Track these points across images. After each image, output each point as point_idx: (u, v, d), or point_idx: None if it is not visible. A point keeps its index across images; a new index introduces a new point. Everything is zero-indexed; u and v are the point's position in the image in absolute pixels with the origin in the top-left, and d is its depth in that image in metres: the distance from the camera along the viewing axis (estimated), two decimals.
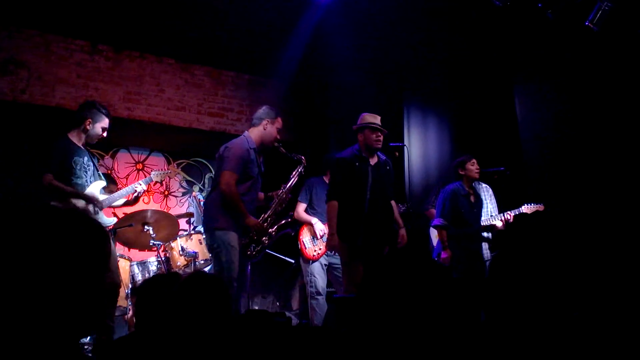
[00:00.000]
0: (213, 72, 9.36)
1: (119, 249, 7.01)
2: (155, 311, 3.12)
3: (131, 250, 7.86)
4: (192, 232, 7.34)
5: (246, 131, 5.90)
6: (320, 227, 7.05)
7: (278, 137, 5.90)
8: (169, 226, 7.18)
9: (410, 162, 8.16)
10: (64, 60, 8.04)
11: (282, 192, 5.90)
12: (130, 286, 6.66)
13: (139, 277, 6.84)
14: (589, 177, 6.50)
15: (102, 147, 8.48)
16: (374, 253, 5.85)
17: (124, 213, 7.49)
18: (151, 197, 9.11)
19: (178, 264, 6.96)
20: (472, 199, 6.80)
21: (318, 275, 7.10)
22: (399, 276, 1.82)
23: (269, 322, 3.53)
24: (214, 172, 6.29)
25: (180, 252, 6.94)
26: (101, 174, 5.99)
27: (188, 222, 7.83)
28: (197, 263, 6.92)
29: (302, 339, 3.45)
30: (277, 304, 8.87)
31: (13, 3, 7.41)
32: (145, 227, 6.83)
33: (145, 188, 6.06)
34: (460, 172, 6.81)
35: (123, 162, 8.99)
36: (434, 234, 7.44)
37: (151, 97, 8.72)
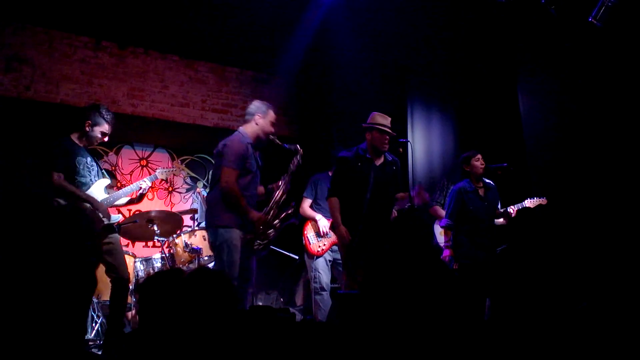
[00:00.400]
0: (217, 68, 9.37)
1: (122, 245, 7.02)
2: (158, 308, 3.12)
3: (135, 246, 7.88)
4: (196, 228, 7.36)
5: (240, 127, 5.87)
6: (325, 224, 7.06)
7: (272, 130, 5.88)
8: (172, 222, 7.21)
9: (414, 159, 8.15)
10: (68, 56, 8.05)
11: (282, 183, 5.88)
12: (134, 283, 6.67)
13: (143, 274, 6.86)
14: (592, 172, 6.49)
15: (106, 144, 8.42)
16: (371, 253, 5.86)
17: (128, 210, 7.54)
18: (155, 193, 9.11)
19: (182, 260, 6.96)
20: (481, 192, 6.78)
21: (322, 271, 7.11)
22: (400, 272, 1.83)
23: (273, 318, 3.54)
24: (213, 169, 6.26)
25: (184, 248, 6.95)
26: (105, 172, 6.00)
27: (192, 219, 7.84)
28: (201, 259, 6.93)
29: (306, 334, 3.46)
30: (281, 300, 8.87)
31: (17, 0, 7.43)
32: (150, 224, 6.86)
33: (150, 185, 6.06)
34: (466, 169, 6.81)
35: (127, 158, 8.99)
36: (438, 230, 7.45)
37: (155, 94, 8.73)
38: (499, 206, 7.15)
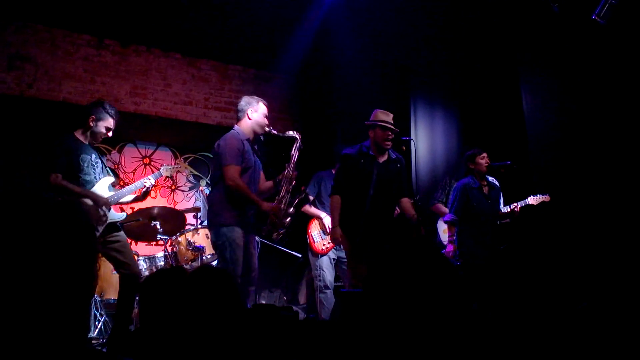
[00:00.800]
0: (219, 66, 9.37)
1: None
2: (159, 306, 3.12)
3: (138, 245, 7.88)
4: (199, 226, 7.35)
5: (235, 125, 5.86)
6: (329, 221, 7.07)
7: (266, 122, 5.85)
8: (175, 220, 7.21)
9: (417, 157, 8.15)
10: (70, 55, 8.06)
11: (288, 170, 5.86)
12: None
13: (146, 272, 6.85)
14: (594, 169, 6.49)
15: (109, 142, 8.48)
16: (374, 250, 5.86)
17: (131, 208, 7.54)
18: (158, 191, 9.12)
19: (185, 258, 6.96)
20: (485, 190, 6.79)
21: (326, 269, 7.12)
22: (404, 270, 1.82)
23: (276, 316, 3.54)
24: (211, 169, 6.24)
25: (187, 247, 6.94)
26: (109, 170, 6.00)
27: (195, 217, 7.84)
28: (204, 257, 6.93)
29: (309, 332, 3.46)
30: (284, 298, 8.87)
31: None
32: (152, 222, 6.87)
33: (153, 183, 6.05)
34: (470, 166, 6.82)
35: (130, 156, 8.99)
36: (441, 228, 7.45)
37: (158, 92, 8.73)
38: (502, 205, 7.15)
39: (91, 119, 5.62)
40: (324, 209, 7.23)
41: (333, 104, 9.59)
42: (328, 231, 7.08)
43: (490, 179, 7.00)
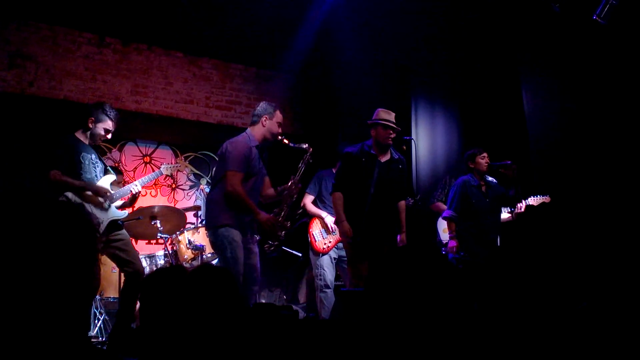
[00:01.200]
0: (221, 65, 9.37)
1: None
2: (160, 305, 3.12)
3: (138, 243, 7.89)
4: (200, 225, 7.35)
5: (248, 129, 5.83)
6: (331, 220, 7.08)
7: (280, 130, 5.83)
8: (176, 219, 7.22)
9: (417, 156, 8.16)
10: (71, 53, 8.06)
11: (292, 183, 5.85)
12: None
13: (147, 271, 6.86)
14: (596, 170, 6.49)
15: (110, 140, 8.43)
16: (375, 250, 5.86)
17: (132, 207, 7.54)
18: (159, 190, 9.13)
19: (185, 257, 6.97)
20: (483, 189, 6.80)
21: (327, 269, 7.12)
22: (405, 270, 1.83)
23: (276, 315, 3.54)
24: (214, 170, 6.23)
25: (188, 245, 6.95)
26: (113, 169, 6.02)
27: (195, 215, 7.85)
28: (204, 256, 6.94)
29: (309, 332, 3.46)
30: (284, 297, 8.88)
31: None
32: (153, 220, 6.88)
33: (140, 189, 6.03)
34: (471, 165, 6.83)
35: (130, 155, 9.01)
36: (441, 227, 7.45)
37: (159, 90, 8.73)
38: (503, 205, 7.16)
39: (90, 120, 5.63)
40: (325, 208, 7.23)
41: (334, 104, 9.60)
42: (330, 230, 7.09)
43: (489, 179, 7.00)
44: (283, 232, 5.76)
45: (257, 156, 5.67)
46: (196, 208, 7.96)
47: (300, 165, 5.94)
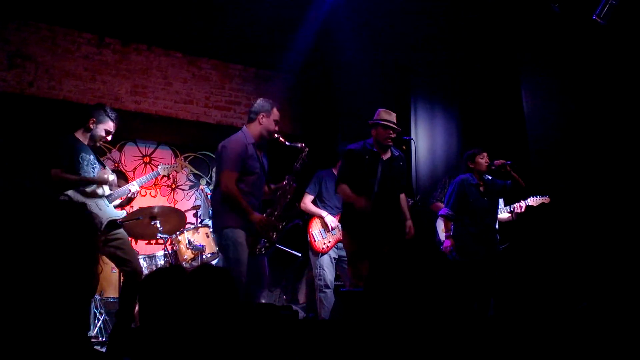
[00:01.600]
0: (220, 65, 9.36)
1: None
2: (159, 305, 3.12)
3: (138, 244, 7.88)
4: (199, 225, 7.35)
5: (244, 126, 5.80)
6: (332, 219, 7.07)
7: (276, 128, 5.77)
8: (175, 219, 7.22)
9: (417, 156, 8.16)
10: (71, 53, 8.05)
11: (287, 183, 5.82)
12: None
13: (146, 271, 6.86)
14: (595, 169, 6.49)
15: (109, 141, 8.48)
16: (379, 248, 5.85)
17: (131, 207, 7.54)
18: (158, 190, 9.13)
19: (185, 257, 6.97)
20: (481, 189, 6.79)
21: (327, 269, 7.11)
22: (405, 271, 1.83)
23: (275, 316, 3.54)
24: (214, 170, 6.22)
25: (187, 246, 6.95)
26: (115, 172, 6.04)
27: (195, 216, 7.85)
28: (204, 256, 6.94)
29: (308, 332, 3.46)
30: (284, 297, 8.87)
31: None
32: (153, 220, 6.88)
33: (138, 189, 6.06)
34: (470, 165, 6.82)
35: (130, 155, 9.00)
36: (439, 227, 7.45)
37: (158, 90, 8.72)
38: (504, 203, 7.16)
39: (91, 121, 5.66)
40: (324, 208, 7.21)
41: (334, 104, 9.59)
42: (330, 229, 7.09)
43: (487, 177, 6.99)
44: (275, 233, 5.72)
45: (254, 154, 5.64)
46: (196, 208, 7.95)
47: (295, 165, 5.90)
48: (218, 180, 5.59)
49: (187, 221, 7.50)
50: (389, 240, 5.98)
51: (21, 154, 7.36)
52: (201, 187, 9.28)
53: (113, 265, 6.07)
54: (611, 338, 2.08)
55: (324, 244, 7.12)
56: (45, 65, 7.82)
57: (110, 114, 5.71)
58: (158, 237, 7.04)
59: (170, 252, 6.91)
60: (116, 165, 8.69)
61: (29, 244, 1.34)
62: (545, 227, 6.80)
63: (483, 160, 6.77)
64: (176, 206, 8.70)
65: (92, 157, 5.69)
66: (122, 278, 5.86)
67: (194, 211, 7.89)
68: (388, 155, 6.14)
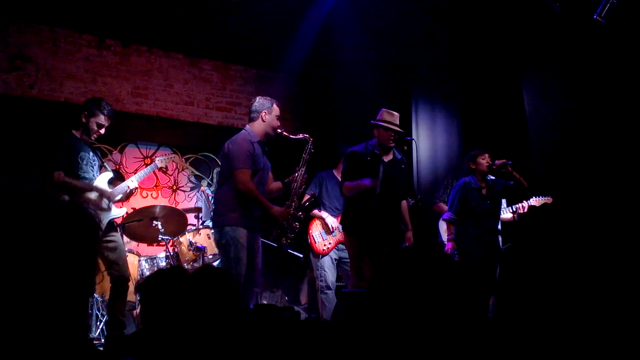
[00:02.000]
0: (221, 66, 9.37)
1: (127, 243, 7.00)
2: (160, 306, 3.12)
3: (140, 245, 7.89)
4: (201, 226, 7.35)
5: (247, 125, 5.85)
6: (332, 220, 7.07)
7: (279, 124, 5.87)
8: (177, 221, 7.21)
9: (418, 156, 8.15)
10: (71, 55, 8.06)
11: (298, 174, 5.87)
12: (138, 281, 6.67)
13: (148, 272, 6.86)
14: (597, 170, 6.48)
15: (110, 142, 8.49)
16: (380, 249, 5.85)
17: (132, 208, 7.53)
18: (159, 191, 9.13)
19: (187, 258, 6.97)
20: (484, 192, 6.77)
21: (328, 270, 7.11)
22: (408, 270, 1.82)
23: (277, 317, 3.54)
24: (217, 170, 6.24)
25: (189, 247, 6.95)
26: (107, 167, 6.02)
27: (196, 217, 7.84)
28: (205, 258, 6.94)
29: (310, 333, 3.45)
30: (286, 298, 8.87)
31: None
32: (154, 222, 6.87)
33: (136, 185, 6.06)
34: (472, 166, 6.81)
35: (131, 156, 9.00)
36: (442, 228, 7.44)
37: (159, 92, 8.73)
38: (506, 204, 7.15)
39: (83, 114, 5.66)
40: (325, 210, 7.22)
41: (334, 104, 9.59)
42: (331, 230, 7.09)
43: (490, 178, 6.99)
44: (297, 223, 5.79)
45: (260, 151, 5.69)
46: (197, 210, 7.96)
47: (304, 155, 5.94)
48: (225, 179, 5.63)
49: (189, 223, 7.49)
50: (389, 241, 5.98)
51: (23, 157, 7.36)
52: (202, 188, 9.27)
53: None
54: (614, 338, 2.08)
55: (325, 245, 7.12)
56: (46, 67, 7.83)
57: (102, 108, 5.69)
58: (160, 239, 7.04)
59: (171, 253, 6.91)
60: (117, 166, 8.69)
61: (28, 243, 1.33)
62: (548, 227, 6.80)
63: (484, 161, 6.76)
64: (177, 208, 8.69)
65: (90, 154, 5.69)
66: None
67: (196, 213, 7.89)
68: (390, 157, 6.13)
